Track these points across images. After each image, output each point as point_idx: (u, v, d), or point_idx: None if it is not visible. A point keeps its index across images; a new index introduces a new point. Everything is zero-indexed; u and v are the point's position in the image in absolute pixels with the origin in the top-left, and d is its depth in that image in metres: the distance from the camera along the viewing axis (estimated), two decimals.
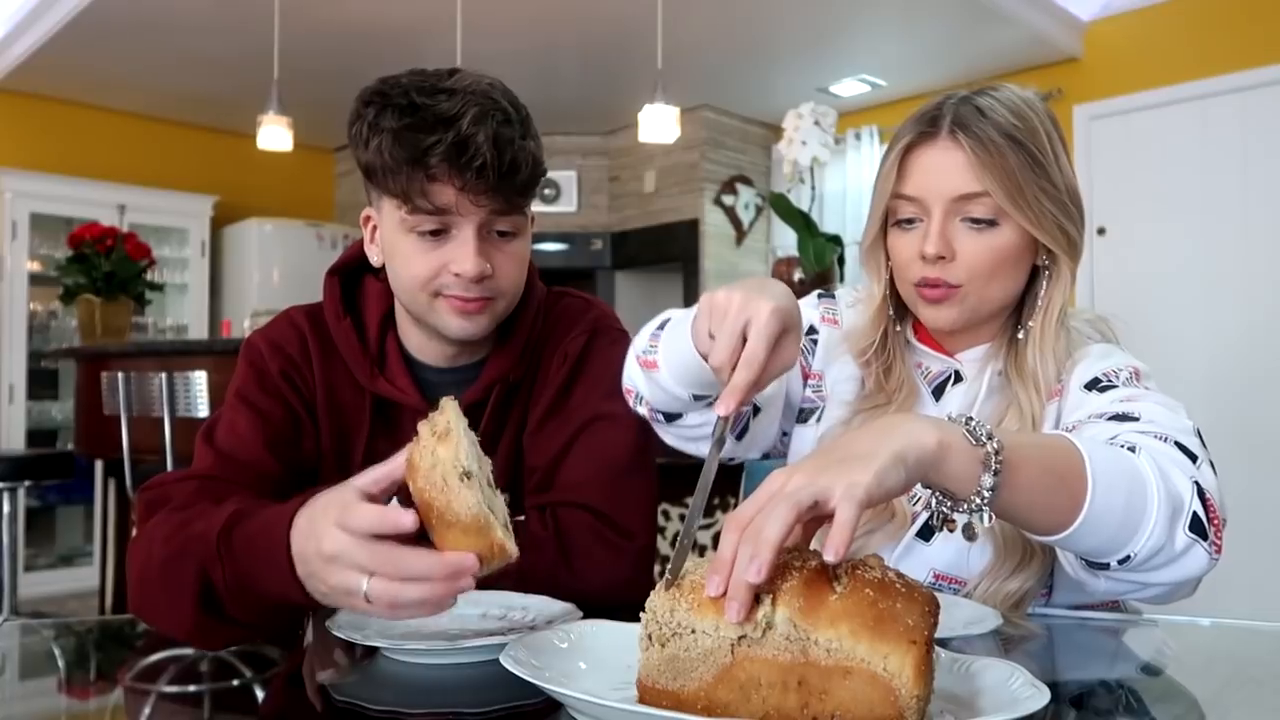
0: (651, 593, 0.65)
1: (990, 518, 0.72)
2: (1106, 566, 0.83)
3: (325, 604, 0.75)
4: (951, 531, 1.01)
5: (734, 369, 0.80)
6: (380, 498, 0.76)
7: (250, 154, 4.60)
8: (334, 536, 0.70)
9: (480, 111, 0.97)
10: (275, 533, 0.76)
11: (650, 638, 0.63)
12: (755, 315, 0.79)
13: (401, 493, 0.73)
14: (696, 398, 1.03)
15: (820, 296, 1.24)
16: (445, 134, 0.95)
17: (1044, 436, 0.87)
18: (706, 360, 0.87)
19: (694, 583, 0.63)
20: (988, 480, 0.70)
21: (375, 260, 1.09)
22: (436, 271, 1.01)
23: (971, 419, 0.73)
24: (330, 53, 4.57)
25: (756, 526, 0.61)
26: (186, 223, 5.60)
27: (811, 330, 1.21)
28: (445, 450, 0.70)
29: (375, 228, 1.08)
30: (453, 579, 0.68)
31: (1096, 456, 0.78)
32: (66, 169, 5.18)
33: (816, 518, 0.64)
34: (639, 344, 1.08)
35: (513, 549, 0.71)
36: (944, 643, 0.73)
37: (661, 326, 1.04)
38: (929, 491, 0.74)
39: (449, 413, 0.74)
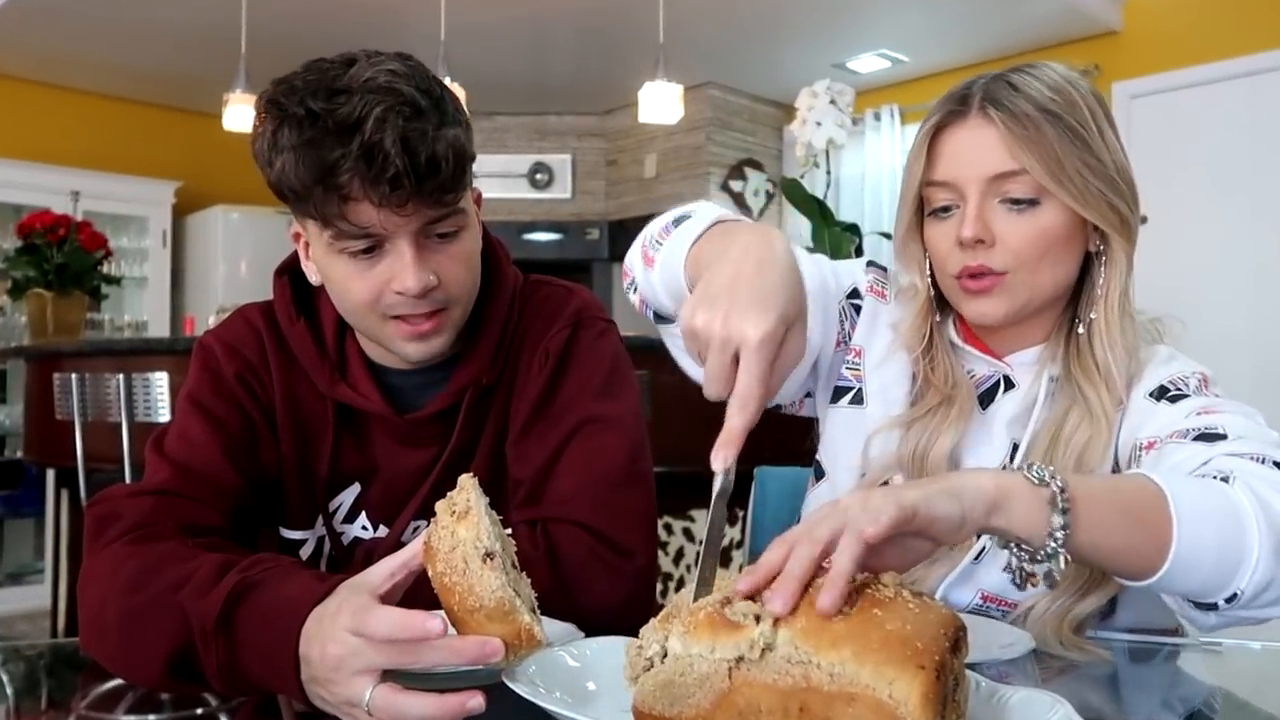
0: (643, 629, 0.66)
1: (1066, 561, 0.73)
2: (1215, 606, 0.83)
3: (324, 710, 0.75)
4: (1035, 586, 1.02)
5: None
6: (396, 592, 0.76)
7: (215, 136, 4.60)
8: (343, 639, 0.71)
9: (384, 110, 0.91)
10: (285, 630, 0.75)
11: (632, 665, 0.65)
12: (743, 345, 0.75)
13: (420, 578, 0.74)
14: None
15: (871, 264, 1.23)
16: (349, 145, 0.90)
17: (1115, 477, 0.89)
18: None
19: (691, 610, 0.64)
20: (1057, 520, 0.72)
21: (314, 279, 1.06)
22: (378, 292, 0.98)
23: (1031, 463, 0.75)
24: (303, 24, 4.57)
25: (815, 543, 0.63)
26: (146, 210, 5.61)
27: (855, 294, 1.20)
28: (465, 531, 0.71)
29: (307, 244, 1.05)
30: (477, 663, 0.68)
31: (1180, 491, 0.79)
32: (15, 152, 5.18)
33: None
34: (651, 230, 1.07)
35: (541, 634, 0.72)
36: (976, 666, 0.73)
37: (677, 221, 1.02)
38: (1005, 548, 0.76)
39: (468, 490, 0.74)
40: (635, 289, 1.12)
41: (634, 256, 1.10)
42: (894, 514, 0.64)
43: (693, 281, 0.93)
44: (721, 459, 0.74)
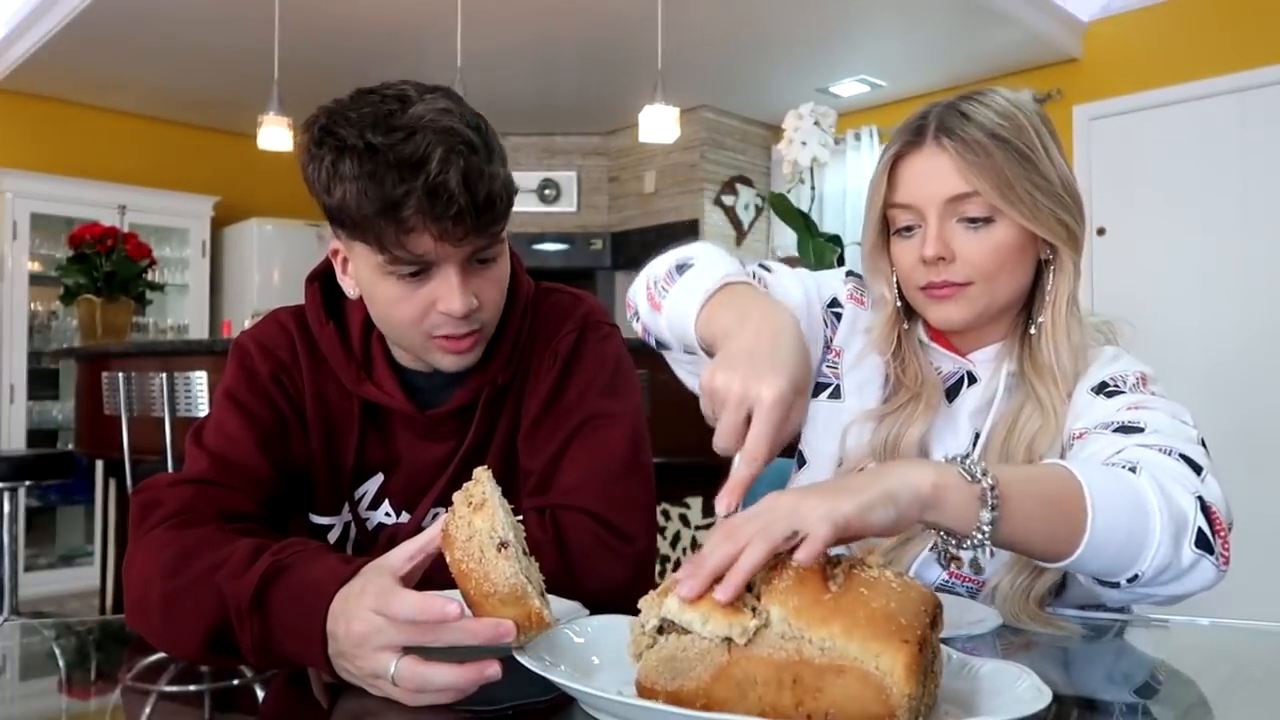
0: (641, 599, 0.65)
1: (992, 552, 0.74)
2: (1117, 584, 0.85)
3: (350, 682, 0.76)
4: (959, 568, 1.03)
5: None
6: (415, 574, 0.77)
7: (251, 154, 4.60)
8: (367, 618, 0.71)
9: (446, 150, 0.90)
10: (313, 608, 0.76)
11: (636, 642, 0.64)
12: (757, 404, 0.76)
13: (437, 562, 0.75)
14: (687, 349, 1.04)
15: (850, 274, 1.24)
16: (414, 182, 0.89)
17: (1041, 468, 0.88)
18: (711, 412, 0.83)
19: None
20: (986, 516, 0.72)
21: (351, 293, 1.06)
22: (424, 312, 0.98)
23: (967, 457, 0.75)
24: (331, 51, 4.57)
25: (737, 542, 0.63)
26: (187, 223, 5.61)
27: (835, 303, 1.21)
28: (481, 521, 0.71)
29: (346, 260, 1.04)
30: (491, 643, 0.69)
31: (1095, 483, 0.80)
32: (67, 169, 5.18)
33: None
34: (655, 271, 1.07)
35: (550, 617, 0.72)
36: (948, 642, 0.74)
37: (680, 268, 1.03)
38: (935, 531, 0.76)
39: (483, 483, 0.75)
40: (638, 319, 1.12)
41: (638, 294, 1.10)
42: (827, 534, 0.63)
43: (706, 340, 0.94)
44: (725, 505, 0.75)
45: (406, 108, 0.93)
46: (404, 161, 0.90)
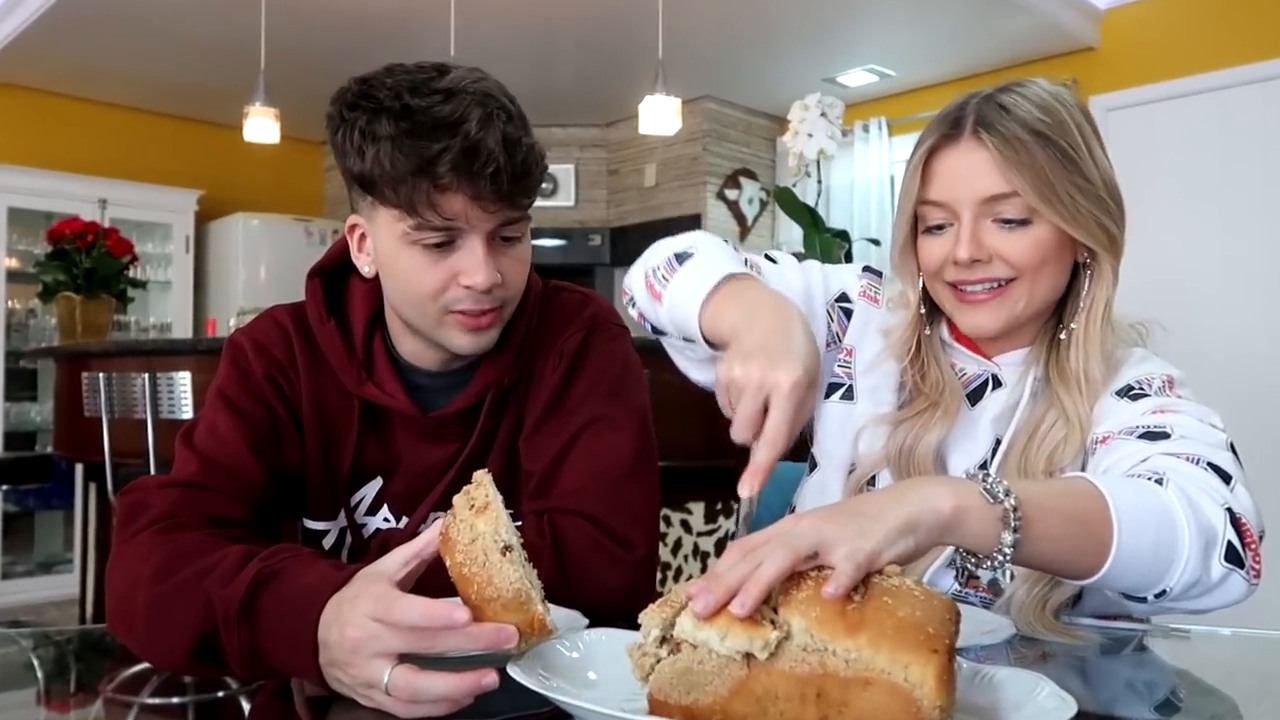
0: (642, 614, 0.65)
1: (1012, 574, 0.73)
2: (1144, 599, 0.85)
3: (340, 693, 0.75)
4: (976, 590, 1.03)
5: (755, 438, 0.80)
6: (409, 580, 0.77)
7: (236, 146, 4.60)
8: (363, 624, 0.71)
9: (485, 113, 0.94)
10: (304, 615, 0.76)
11: (639, 666, 0.64)
12: (775, 391, 0.80)
13: (429, 568, 0.75)
14: (686, 339, 1.05)
15: (866, 269, 1.23)
16: (452, 140, 0.92)
17: (1064, 483, 0.88)
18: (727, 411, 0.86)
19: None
20: (1008, 538, 0.72)
21: (367, 271, 1.06)
22: (445, 285, 0.99)
23: (988, 475, 0.74)
24: (319, 40, 4.57)
25: (755, 560, 0.62)
26: (170, 218, 5.61)
27: (844, 298, 1.20)
28: (484, 525, 0.72)
29: (364, 236, 1.05)
30: (492, 648, 0.69)
31: (1121, 497, 0.79)
32: (46, 162, 5.18)
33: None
34: (653, 260, 1.08)
35: (553, 624, 0.72)
36: (961, 652, 0.73)
37: (680, 258, 1.04)
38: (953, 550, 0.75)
39: (485, 486, 0.75)
40: (634, 305, 1.13)
41: (636, 282, 1.12)
42: (852, 572, 0.62)
43: (713, 335, 0.96)
44: (748, 486, 0.78)
45: (444, 75, 0.97)
46: (441, 121, 0.93)
